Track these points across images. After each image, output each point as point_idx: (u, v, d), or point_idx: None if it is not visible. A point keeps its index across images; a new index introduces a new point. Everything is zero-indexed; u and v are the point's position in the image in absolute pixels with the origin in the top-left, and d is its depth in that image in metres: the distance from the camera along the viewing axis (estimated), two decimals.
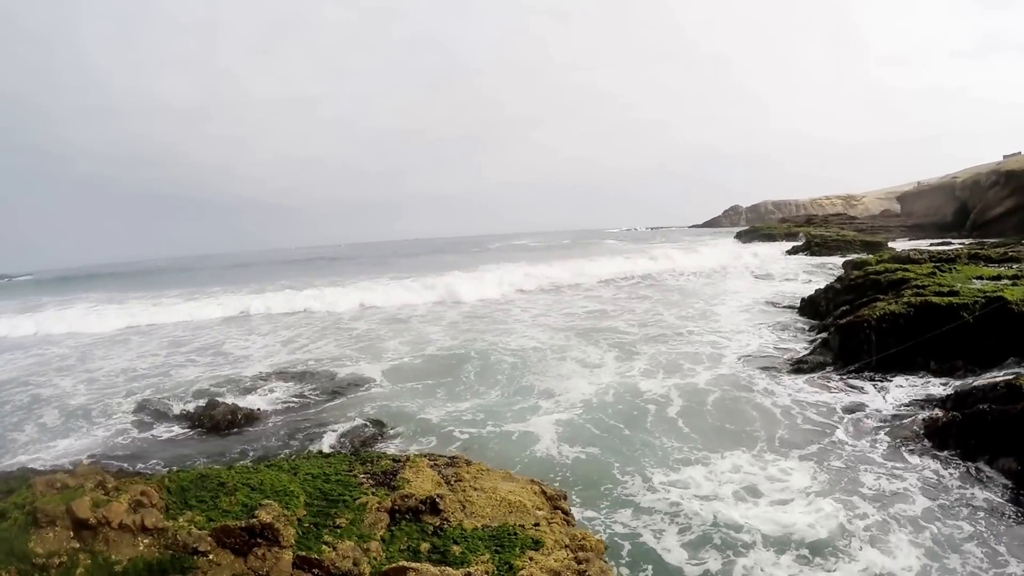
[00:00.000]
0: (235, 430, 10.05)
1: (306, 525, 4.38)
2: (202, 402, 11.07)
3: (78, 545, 3.65)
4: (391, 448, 8.75)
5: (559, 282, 29.52)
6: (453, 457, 6.31)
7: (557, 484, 6.86)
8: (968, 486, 6.91)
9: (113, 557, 3.67)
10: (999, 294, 10.80)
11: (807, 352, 12.71)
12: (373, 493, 4.90)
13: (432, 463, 5.84)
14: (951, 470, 7.28)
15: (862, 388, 10.41)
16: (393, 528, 4.59)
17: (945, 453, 7.64)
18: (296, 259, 76.45)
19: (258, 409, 10.67)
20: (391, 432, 9.58)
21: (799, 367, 11.82)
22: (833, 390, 10.45)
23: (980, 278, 13.77)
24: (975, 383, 9.37)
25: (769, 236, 60.61)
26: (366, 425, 9.80)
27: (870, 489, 6.93)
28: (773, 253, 44.71)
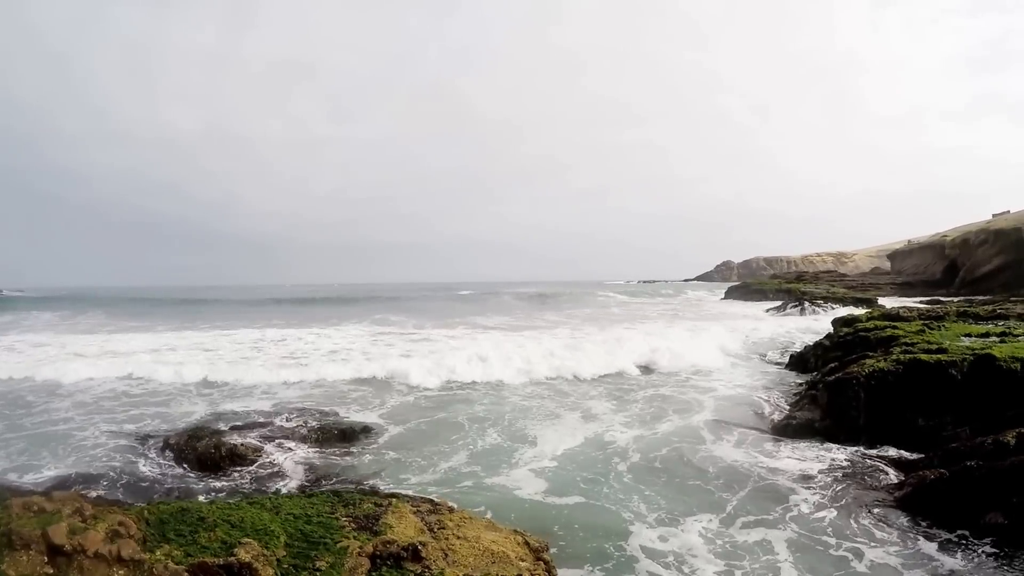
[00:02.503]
0: (221, 466, 9.93)
1: (285, 566, 4.33)
2: (187, 435, 10.89)
3: (52, 571, 3.60)
4: (379, 488, 8.65)
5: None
6: (436, 504, 6.27)
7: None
8: (957, 541, 6.88)
9: None
10: (987, 351, 10.85)
11: (795, 408, 12.68)
12: (355, 537, 4.86)
13: (415, 509, 5.80)
14: (940, 528, 7.24)
15: (846, 448, 10.40)
16: (374, 573, 4.55)
17: (934, 510, 7.60)
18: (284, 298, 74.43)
19: (243, 445, 10.54)
20: (379, 473, 9.50)
21: (787, 423, 11.79)
22: (816, 450, 10.44)
23: (969, 335, 13.85)
24: (963, 440, 9.42)
25: (760, 292, 60.98)
26: (355, 466, 9.75)
27: (851, 555, 6.84)
28: (763, 310, 44.98)
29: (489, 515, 7.43)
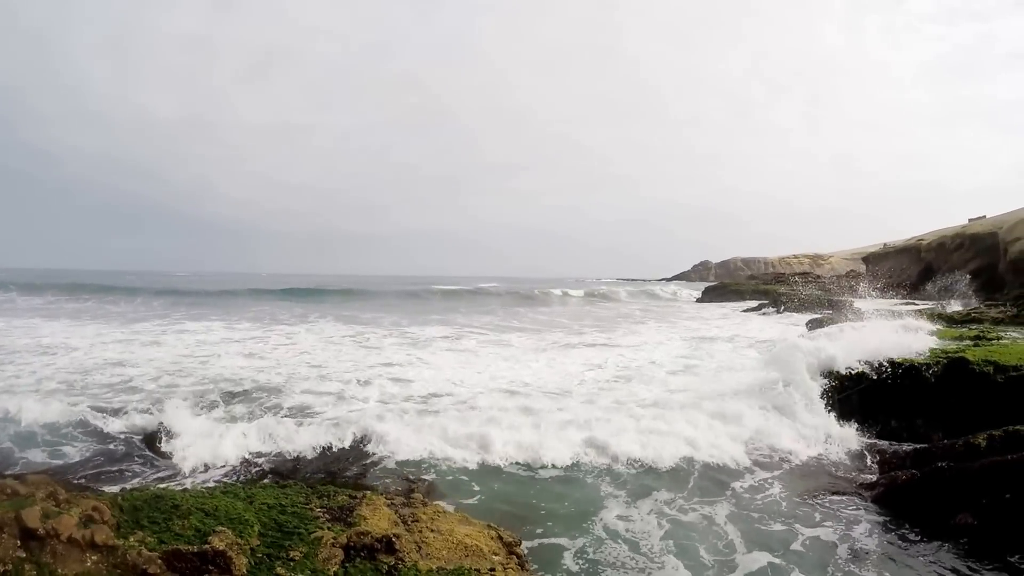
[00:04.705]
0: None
1: (259, 555, 4.33)
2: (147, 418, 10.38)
3: (24, 555, 3.58)
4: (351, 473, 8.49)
5: None
6: (410, 497, 6.29)
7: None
8: (927, 541, 6.97)
9: (59, 571, 3.60)
10: (961, 355, 10.99)
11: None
12: (329, 528, 4.86)
13: (389, 502, 5.81)
14: (909, 527, 7.33)
15: (818, 447, 10.44)
16: (347, 565, 4.55)
17: (906, 510, 7.69)
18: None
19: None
20: (350, 461, 9.33)
21: None
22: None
23: (943, 339, 13.98)
24: (934, 442, 9.55)
25: (737, 292, 61.24)
26: (328, 456, 9.59)
27: (821, 546, 6.93)
28: (739, 309, 45.39)
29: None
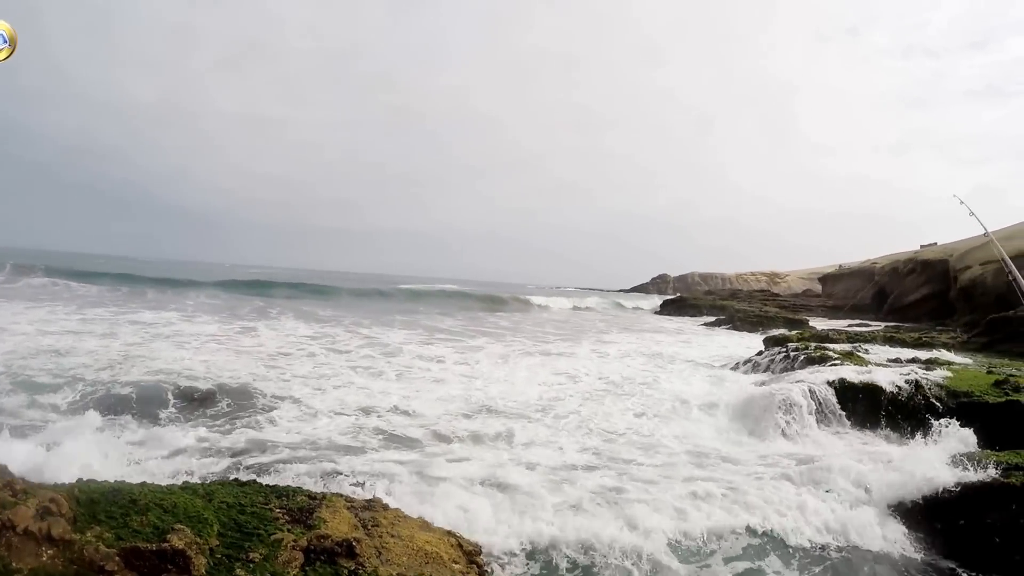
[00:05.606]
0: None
1: (218, 556, 4.24)
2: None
3: None
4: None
5: None
6: (370, 500, 6.22)
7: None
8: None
9: (14, 564, 3.46)
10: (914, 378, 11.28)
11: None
12: (289, 530, 4.78)
13: (349, 504, 5.74)
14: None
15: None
16: (307, 568, 4.48)
17: None
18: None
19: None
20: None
21: None
22: None
23: (897, 361, 14.25)
24: None
25: (695, 307, 61.73)
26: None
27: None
28: (696, 324, 45.88)
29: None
